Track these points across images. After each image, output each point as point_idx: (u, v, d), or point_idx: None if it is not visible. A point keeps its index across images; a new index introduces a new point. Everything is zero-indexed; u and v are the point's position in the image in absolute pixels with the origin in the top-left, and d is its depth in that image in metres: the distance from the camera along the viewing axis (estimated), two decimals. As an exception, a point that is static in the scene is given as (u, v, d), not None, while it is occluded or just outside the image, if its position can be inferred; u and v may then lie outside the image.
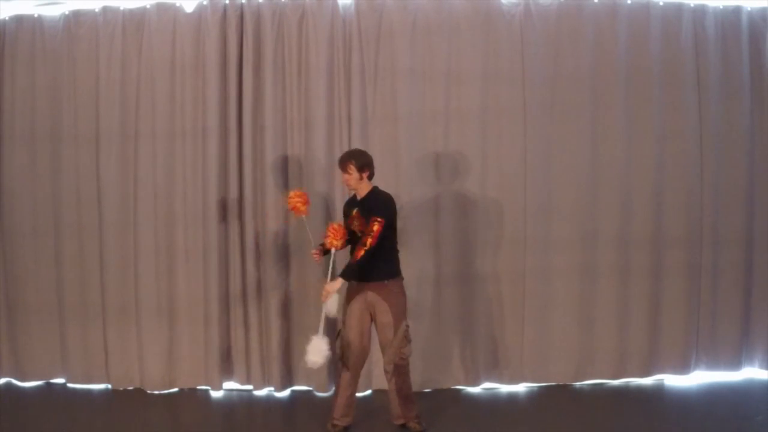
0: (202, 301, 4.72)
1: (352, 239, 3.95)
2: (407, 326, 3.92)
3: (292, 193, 3.96)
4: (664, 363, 4.85)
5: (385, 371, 3.93)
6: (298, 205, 3.92)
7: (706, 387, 4.79)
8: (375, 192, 3.94)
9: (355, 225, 3.90)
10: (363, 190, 3.95)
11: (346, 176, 3.91)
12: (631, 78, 4.77)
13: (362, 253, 3.73)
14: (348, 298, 3.95)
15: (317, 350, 3.80)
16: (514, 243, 4.74)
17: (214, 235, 4.67)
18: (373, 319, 3.94)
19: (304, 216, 3.96)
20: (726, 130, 4.86)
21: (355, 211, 3.92)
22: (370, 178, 3.96)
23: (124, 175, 4.75)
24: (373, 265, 3.80)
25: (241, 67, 4.66)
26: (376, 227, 3.74)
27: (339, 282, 3.80)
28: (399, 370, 3.91)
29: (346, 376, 3.95)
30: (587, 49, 4.74)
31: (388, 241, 3.86)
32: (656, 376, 4.87)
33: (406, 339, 3.90)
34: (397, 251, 3.97)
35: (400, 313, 3.89)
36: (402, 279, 3.95)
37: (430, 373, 4.71)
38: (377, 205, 3.84)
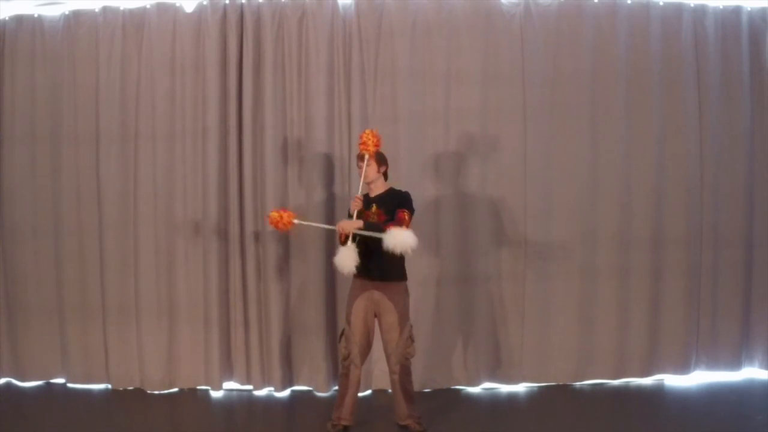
0: (202, 301, 4.72)
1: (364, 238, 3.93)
2: (411, 326, 3.95)
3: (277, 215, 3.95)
4: (664, 363, 4.85)
5: (392, 372, 3.94)
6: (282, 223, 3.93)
7: (706, 387, 4.79)
8: (395, 189, 4.00)
9: (373, 220, 3.89)
10: (379, 187, 3.99)
11: (364, 165, 3.90)
12: (631, 78, 4.77)
13: (393, 227, 3.73)
14: (353, 296, 3.96)
15: (348, 257, 3.78)
16: (514, 243, 4.75)
17: (214, 235, 4.67)
18: (377, 318, 3.96)
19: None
20: (726, 130, 4.86)
21: (374, 207, 3.92)
22: (386, 176, 4.03)
23: (124, 175, 4.75)
24: (385, 263, 3.85)
25: (241, 67, 4.66)
26: (407, 217, 3.83)
27: (359, 224, 3.81)
28: (403, 370, 3.94)
29: (356, 374, 3.96)
30: (587, 49, 4.74)
31: None
32: (656, 376, 4.87)
33: (411, 339, 3.94)
34: None
35: (405, 314, 3.93)
36: (406, 280, 3.99)
37: (430, 373, 4.71)
38: (404, 200, 3.92)
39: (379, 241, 3.72)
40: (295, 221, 3.96)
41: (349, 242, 3.82)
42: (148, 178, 4.73)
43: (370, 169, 3.93)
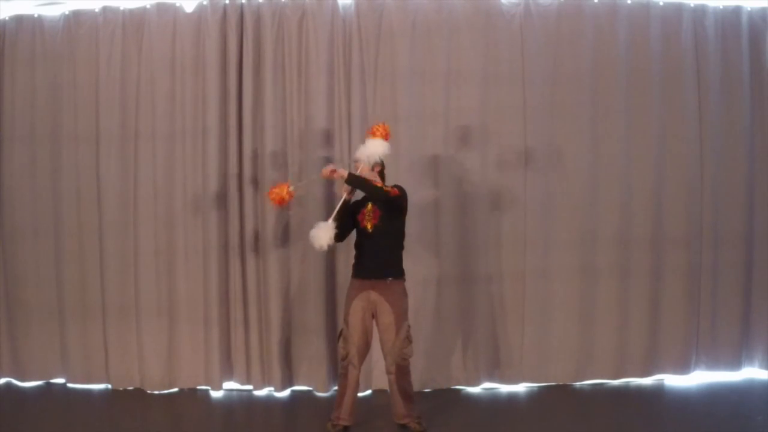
0: (202, 301, 4.72)
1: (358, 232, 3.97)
2: (408, 327, 3.94)
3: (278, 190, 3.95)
4: (664, 363, 4.85)
5: (388, 372, 3.94)
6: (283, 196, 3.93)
7: (706, 387, 4.79)
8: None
9: (368, 219, 3.91)
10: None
11: (359, 165, 3.94)
12: (631, 78, 4.77)
13: (381, 188, 3.80)
14: (351, 297, 3.95)
15: (324, 231, 3.81)
16: (514, 243, 4.75)
17: (214, 235, 4.67)
18: (374, 318, 3.95)
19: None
20: (726, 130, 4.86)
21: (369, 205, 3.93)
22: (382, 175, 4.02)
23: (124, 175, 4.75)
24: (382, 261, 3.89)
25: (241, 67, 4.66)
26: (395, 191, 3.84)
27: (345, 173, 3.84)
28: (401, 371, 3.93)
29: (354, 374, 3.94)
30: (587, 49, 4.74)
31: (402, 237, 3.97)
32: (656, 376, 4.87)
33: (408, 340, 3.93)
34: (402, 249, 4.00)
35: (402, 314, 3.92)
36: (404, 280, 3.98)
37: (430, 373, 4.71)
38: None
39: (374, 236, 3.85)
40: (291, 188, 3.94)
41: (330, 220, 3.84)
42: (148, 178, 4.73)
43: (365, 167, 3.94)
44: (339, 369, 4.06)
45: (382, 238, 3.90)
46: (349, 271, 4.07)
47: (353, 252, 4.05)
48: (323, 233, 3.79)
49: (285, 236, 4.69)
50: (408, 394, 3.99)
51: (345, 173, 3.85)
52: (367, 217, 3.91)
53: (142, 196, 4.73)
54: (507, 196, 4.74)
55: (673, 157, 4.81)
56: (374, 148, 3.85)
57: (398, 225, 3.96)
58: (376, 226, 3.89)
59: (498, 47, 4.71)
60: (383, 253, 3.91)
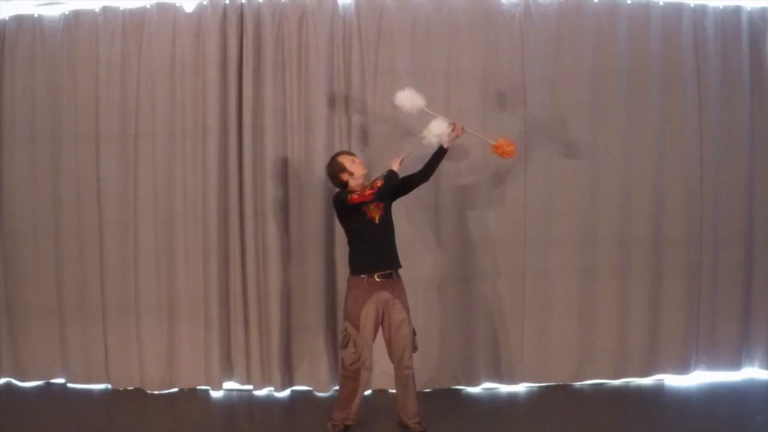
0: (202, 301, 4.71)
1: (366, 229, 3.95)
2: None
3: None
4: (664, 363, 4.85)
5: (406, 367, 3.93)
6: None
7: (706, 387, 4.79)
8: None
9: (374, 211, 3.91)
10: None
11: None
12: (631, 78, 4.77)
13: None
14: (360, 300, 3.89)
15: (438, 127, 4.02)
16: (514, 243, 4.74)
17: (214, 235, 4.67)
18: (384, 317, 3.95)
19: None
20: (726, 130, 4.86)
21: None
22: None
23: (124, 175, 4.75)
24: (392, 249, 3.98)
25: (241, 67, 4.66)
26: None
27: (448, 145, 4.10)
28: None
29: (366, 377, 3.94)
30: (587, 49, 4.74)
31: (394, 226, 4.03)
32: (656, 376, 4.87)
33: (414, 333, 3.99)
34: None
35: (409, 309, 3.98)
36: None
37: (430, 373, 4.71)
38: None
39: (380, 227, 3.92)
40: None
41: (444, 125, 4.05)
42: (148, 178, 4.73)
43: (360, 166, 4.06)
44: (343, 371, 4.00)
45: (387, 229, 3.96)
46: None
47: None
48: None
49: (285, 236, 4.69)
50: (414, 393, 4.03)
51: (447, 145, 4.08)
52: (372, 209, 3.92)
53: (142, 196, 4.73)
54: (507, 195, 4.74)
55: (673, 157, 4.81)
56: (409, 99, 4.05)
57: (390, 214, 4.03)
58: (381, 217, 3.92)
59: (498, 47, 4.71)
60: (391, 243, 3.97)
